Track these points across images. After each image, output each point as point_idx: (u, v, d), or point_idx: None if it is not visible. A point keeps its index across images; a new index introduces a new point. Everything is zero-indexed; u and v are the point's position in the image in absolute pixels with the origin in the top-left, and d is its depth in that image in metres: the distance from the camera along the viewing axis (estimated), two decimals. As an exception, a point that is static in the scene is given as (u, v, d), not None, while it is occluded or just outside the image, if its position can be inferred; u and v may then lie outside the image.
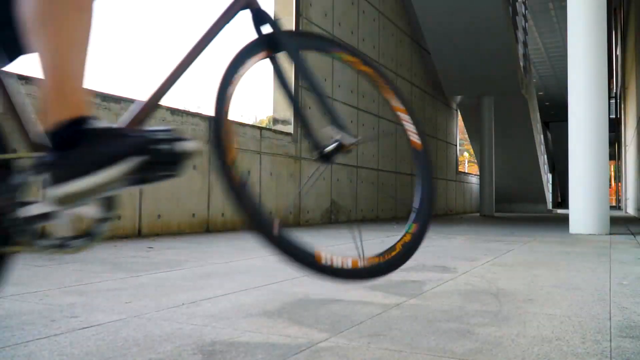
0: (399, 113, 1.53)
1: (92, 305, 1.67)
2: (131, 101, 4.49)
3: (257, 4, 1.37)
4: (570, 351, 1.24)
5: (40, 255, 2.63)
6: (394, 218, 9.61)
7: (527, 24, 17.02)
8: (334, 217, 7.81)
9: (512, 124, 14.12)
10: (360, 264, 1.32)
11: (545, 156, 21.37)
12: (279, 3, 7.01)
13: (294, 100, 1.62)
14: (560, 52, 22.56)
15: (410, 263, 2.88)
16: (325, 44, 1.57)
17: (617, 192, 30.20)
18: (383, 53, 9.88)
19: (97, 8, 1.02)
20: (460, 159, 15.00)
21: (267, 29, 1.38)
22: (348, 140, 1.36)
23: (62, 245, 1.01)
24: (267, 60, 1.40)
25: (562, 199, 37.26)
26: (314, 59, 7.86)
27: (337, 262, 1.29)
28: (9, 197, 0.99)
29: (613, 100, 24.98)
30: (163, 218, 4.74)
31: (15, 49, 1.13)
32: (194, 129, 5.13)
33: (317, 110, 1.41)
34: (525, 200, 16.71)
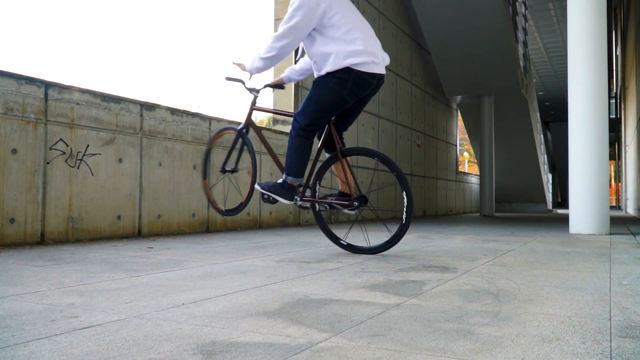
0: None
1: (92, 305, 1.67)
2: (131, 101, 4.48)
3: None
4: (570, 351, 1.24)
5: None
6: (394, 218, 9.61)
7: (527, 24, 17.02)
8: (334, 217, 7.81)
9: (512, 124, 14.12)
10: None
11: (545, 156, 21.37)
12: (279, 3, 7.01)
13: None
14: (560, 52, 22.55)
15: (410, 263, 2.88)
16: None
17: (617, 192, 30.19)
18: (383, 53, 9.87)
19: None
20: (460, 159, 15.01)
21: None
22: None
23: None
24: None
25: (562, 199, 37.24)
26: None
27: None
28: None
29: (613, 100, 24.99)
30: (163, 218, 4.74)
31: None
32: (193, 129, 5.12)
33: None
34: (525, 200, 16.72)
